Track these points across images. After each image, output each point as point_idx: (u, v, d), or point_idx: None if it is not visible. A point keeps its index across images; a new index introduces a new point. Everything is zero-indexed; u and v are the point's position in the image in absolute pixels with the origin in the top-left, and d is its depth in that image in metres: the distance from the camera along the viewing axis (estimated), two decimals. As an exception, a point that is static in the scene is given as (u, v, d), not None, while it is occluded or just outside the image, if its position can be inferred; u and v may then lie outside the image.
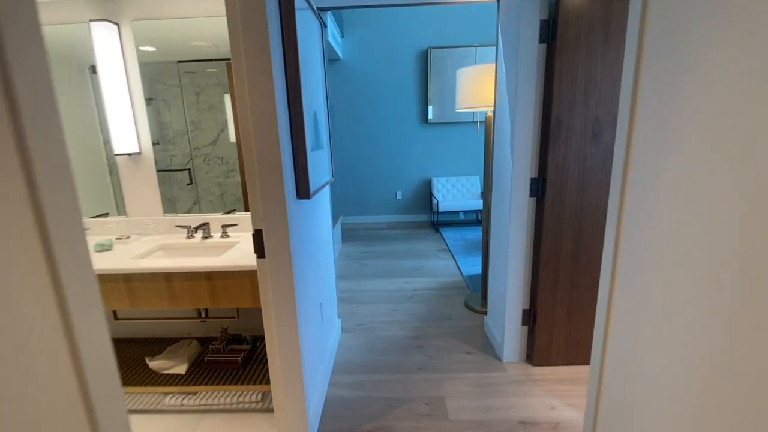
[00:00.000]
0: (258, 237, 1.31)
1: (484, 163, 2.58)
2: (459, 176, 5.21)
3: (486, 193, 2.64)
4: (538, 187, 1.87)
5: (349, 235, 4.78)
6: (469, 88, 2.35)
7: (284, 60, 1.33)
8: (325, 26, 3.78)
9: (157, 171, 1.94)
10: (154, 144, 1.90)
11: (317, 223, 1.85)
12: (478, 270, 3.39)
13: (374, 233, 4.83)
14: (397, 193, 5.35)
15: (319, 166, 1.73)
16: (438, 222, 4.98)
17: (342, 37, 4.92)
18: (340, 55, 4.88)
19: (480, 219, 5.31)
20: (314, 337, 1.72)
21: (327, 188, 2.22)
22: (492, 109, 2.46)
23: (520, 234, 1.94)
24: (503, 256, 2.07)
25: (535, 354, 2.02)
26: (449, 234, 4.63)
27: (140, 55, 1.81)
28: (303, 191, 1.44)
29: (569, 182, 1.80)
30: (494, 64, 2.19)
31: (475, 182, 5.14)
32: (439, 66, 4.90)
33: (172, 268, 1.48)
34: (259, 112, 1.22)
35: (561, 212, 1.83)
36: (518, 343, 2.08)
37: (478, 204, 4.70)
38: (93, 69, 1.80)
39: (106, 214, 2.02)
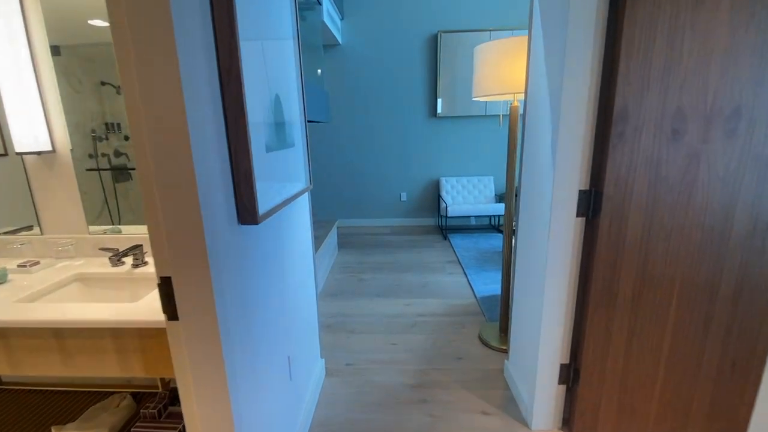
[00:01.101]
0: (165, 288, 0.83)
1: (507, 165, 2.07)
2: (471, 176, 4.69)
3: (508, 201, 2.14)
4: (590, 204, 1.36)
5: (346, 241, 4.30)
6: (492, 70, 1.84)
7: (213, 24, 0.85)
8: (320, 3, 3.27)
9: (87, 171, 1.47)
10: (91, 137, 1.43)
11: (281, 251, 1.37)
12: (494, 290, 2.89)
13: (375, 239, 4.34)
14: (402, 194, 4.85)
15: (283, 171, 1.24)
16: (446, 227, 4.48)
17: (341, 19, 4.41)
18: (339, 40, 4.37)
19: (494, 225, 4.79)
20: (274, 409, 1.24)
21: (305, 198, 1.73)
22: (521, 97, 1.95)
23: (561, 264, 1.43)
24: (536, 290, 1.56)
25: (575, 421, 1.53)
26: (459, 242, 4.12)
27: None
28: (247, 213, 0.95)
29: (634, 198, 1.28)
30: (526, 37, 1.67)
31: (489, 183, 4.61)
32: (450, 53, 4.36)
33: (61, 321, 1.01)
34: (154, 98, 0.73)
35: (621, 238, 1.32)
36: (553, 405, 1.58)
37: (493, 209, 4.18)
38: (-17, 36, 1.33)
39: (30, 227, 1.56)
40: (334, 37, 4.20)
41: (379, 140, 4.70)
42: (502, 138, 4.63)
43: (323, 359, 1.99)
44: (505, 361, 1.93)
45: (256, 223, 0.96)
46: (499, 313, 2.31)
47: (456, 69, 4.39)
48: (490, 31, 4.30)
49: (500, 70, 1.81)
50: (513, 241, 2.19)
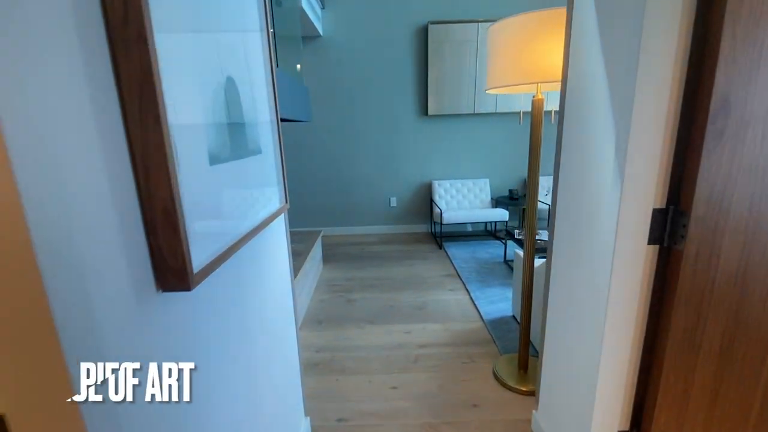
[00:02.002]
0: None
1: (529, 170, 1.72)
2: (465, 179, 4.35)
3: (530, 213, 1.80)
4: (667, 227, 1.02)
5: (331, 253, 3.89)
6: (512, 55, 1.48)
7: None
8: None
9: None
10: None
11: (243, 303, 0.97)
12: (503, 310, 2.55)
13: (363, 250, 3.95)
14: (391, 199, 4.48)
15: (242, 190, 0.85)
16: (441, 234, 4.13)
17: (322, 8, 4.00)
18: (320, 31, 3.96)
19: (490, 230, 4.47)
20: None
21: (280, 223, 1.33)
22: (547, 88, 1.61)
23: (625, 305, 1.09)
24: (587, 334, 1.21)
25: (637, 504, 1.18)
26: (456, 251, 3.77)
27: None
28: (171, 275, 0.55)
29: (731, 219, 0.94)
30: (560, 11, 1.32)
31: (485, 186, 4.29)
32: (440, 46, 4.01)
33: None
34: None
35: (711, 273, 0.98)
36: (607, 481, 1.23)
37: (491, 215, 3.85)
38: None
39: None
40: (315, 27, 3.79)
41: (366, 141, 4.31)
42: (498, 137, 4.32)
43: (308, 417, 1.59)
44: (534, 412, 1.58)
45: (188, 289, 0.57)
46: (518, 344, 1.97)
47: (447, 64, 4.05)
48: (479, 22, 3.96)
49: (524, 55, 1.45)
50: (530, 257, 1.85)
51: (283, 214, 1.35)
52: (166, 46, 0.52)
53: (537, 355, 1.63)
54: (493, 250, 3.78)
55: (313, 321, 2.52)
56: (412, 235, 4.45)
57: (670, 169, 0.99)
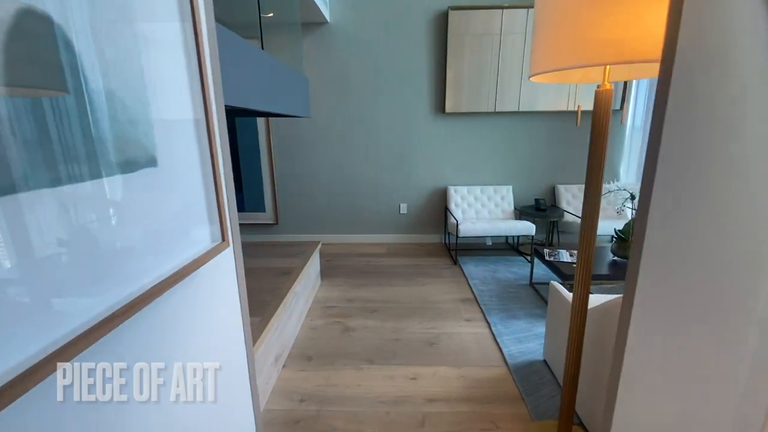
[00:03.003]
0: None
1: (588, 178, 1.23)
2: (485, 185, 3.88)
3: (586, 231, 1.33)
4: None
5: (331, 265, 3.47)
6: (577, 24, 1.02)
7: None
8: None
9: None
10: None
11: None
12: (533, 352, 2.08)
13: (368, 263, 3.52)
14: (401, 205, 4.03)
15: (91, 237, 0.42)
16: (457, 247, 3.66)
17: (329, -10, 3.57)
18: (327, 17, 3.54)
19: (512, 244, 3.99)
20: None
21: (223, 267, 0.91)
22: (622, 72, 1.14)
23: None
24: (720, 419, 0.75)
25: None
26: (473, 268, 3.31)
27: None
28: None
29: None
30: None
31: (507, 195, 3.80)
32: (460, 35, 3.54)
33: None
34: None
35: None
36: None
37: (515, 228, 3.36)
38: None
39: None
40: (321, 13, 3.36)
41: (375, 140, 3.88)
42: (523, 139, 3.83)
43: None
44: None
45: None
46: (556, 407, 1.51)
47: (468, 55, 3.57)
48: (504, 8, 3.46)
49: (593, 24, 0.99)
50: (583, 296, 1.39)
51: (232, 253, 0.93)
52: None
53: (584, 428, 1.17)
54: (516, 269, 3.30)
55: (301, 356, 2.10)
56: (423, 246, 4.00)
57: None
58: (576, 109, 3.59)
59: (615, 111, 3.70)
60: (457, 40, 3.54)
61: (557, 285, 1.89)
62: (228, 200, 0.90)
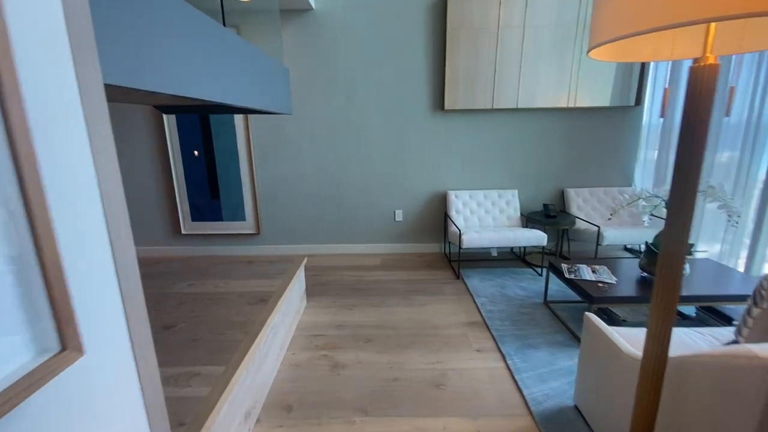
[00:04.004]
0: None
1: (674, 186, 0.86)
2: (488, 189, 3.53)
3: (668, 270, 1.01)
4: None
5: (319, 282, 3.08)
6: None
7: None
8: None
9: None
10: None
11: None
12: (561, 395, 1.72)
13: (360, 278, 3.13)
14: (396, 212, 3.66)
15: None
16: (459, 258, 3.30)
17: (314, -28, 3.18)
18: (312, 3, 3.15)
19: (517, 253, 3.64)
20: None
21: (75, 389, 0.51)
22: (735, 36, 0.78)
23: None
24: None
25: None
26: (478, 283, 2.95)
27: None
28: None
29: None
30: None
31: (512, 200, 3.46)
32: (460, 24, 3.18)
33: None
34: None
35: None
36: None
37: (524, 238, 3.01)
38: None
39: None
40: (304, -3, 2.98)
41: (366, 140, 3.50)
42: (528, 138, 3.48)
43: None
44: None
45: None
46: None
47: (469, 47, 3.21)
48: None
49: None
50: (663, 342, 1.03)
51: (98, 365, 0.54)
52: None
53: None
54: (526, 283, 2.94)
55: (279, 406, 1.71)
56: (421, 257, 3.63)
57: None
58: (569, 105, 3.26)
59: (628, 108, 3.38)
60: (457, 27, 3.18)
61: (594, 318, 1.53)
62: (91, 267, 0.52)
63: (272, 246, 3.72)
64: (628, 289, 2.08)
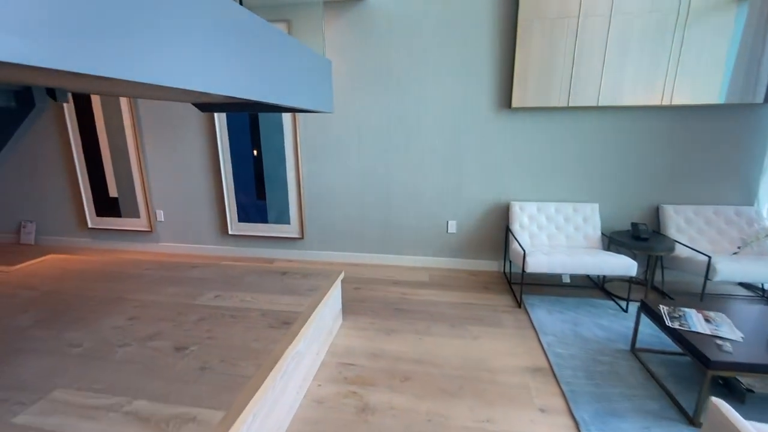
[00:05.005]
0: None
1: None
2: (561, 202, 3.00)
3: None
4: None
5: (356, 297, 2.80)
6: None
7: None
8: None
9: None
10: None
11: None
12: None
13: (403, 296, 2.80)
14: (450, 223, 3.27)
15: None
16: (522, 281, 2.84)
17: (369, -43, 2.91)
18: (365, -9, 2.89)
19: (596, 281, 3.05)
20: None
21: None
22: None
23: None
24: None
25: None
26: (545, 316, 2.47)
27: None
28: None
29: None
30: None
31: (592, 215, 2.90)
32: (536, 13, 2.71)
33: None
34: None
35: None
36: None
37: (605, 265, 2.46)
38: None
39: None
40: (357, -15, 2.72)
41: (418, 141, 3.16)
42: (613, 142, 2.89)
43: None
44: None
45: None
46: None
47: (543, 38, 2.73)
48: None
49: None
50: None
51: None
52: None
53: None
54: (607, 321, 2.40)
55: (292, 456, 1.45)
56: (476, 275, 3.20)
57: None
58: (663, 103, 2.60)
59: (753, 106, 2.65)
60: (528, 22, 2.71)
61: (725, 409, 1.05)
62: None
63: (314, 252, 3.53)
64: (760, 350, 1.52)
